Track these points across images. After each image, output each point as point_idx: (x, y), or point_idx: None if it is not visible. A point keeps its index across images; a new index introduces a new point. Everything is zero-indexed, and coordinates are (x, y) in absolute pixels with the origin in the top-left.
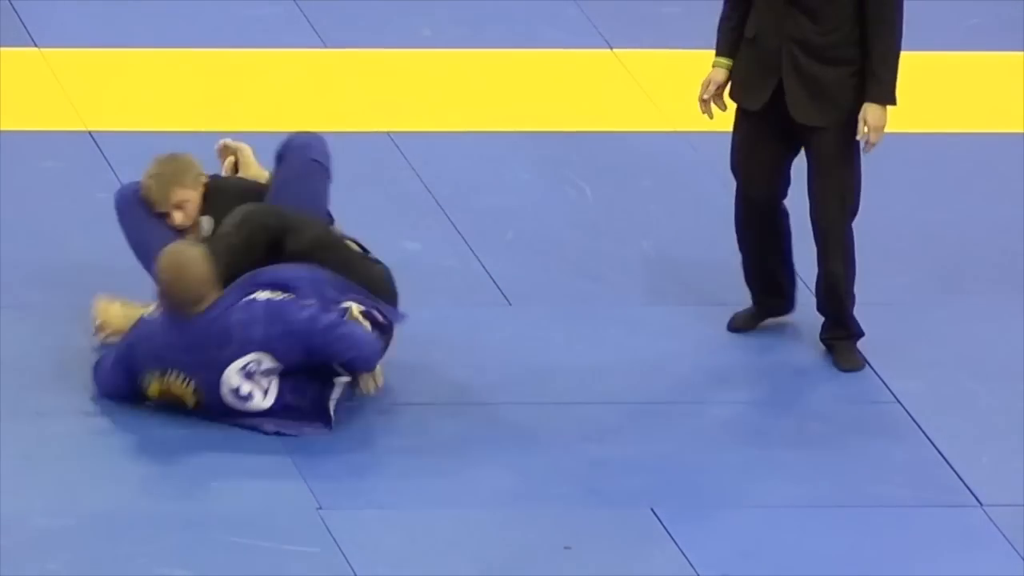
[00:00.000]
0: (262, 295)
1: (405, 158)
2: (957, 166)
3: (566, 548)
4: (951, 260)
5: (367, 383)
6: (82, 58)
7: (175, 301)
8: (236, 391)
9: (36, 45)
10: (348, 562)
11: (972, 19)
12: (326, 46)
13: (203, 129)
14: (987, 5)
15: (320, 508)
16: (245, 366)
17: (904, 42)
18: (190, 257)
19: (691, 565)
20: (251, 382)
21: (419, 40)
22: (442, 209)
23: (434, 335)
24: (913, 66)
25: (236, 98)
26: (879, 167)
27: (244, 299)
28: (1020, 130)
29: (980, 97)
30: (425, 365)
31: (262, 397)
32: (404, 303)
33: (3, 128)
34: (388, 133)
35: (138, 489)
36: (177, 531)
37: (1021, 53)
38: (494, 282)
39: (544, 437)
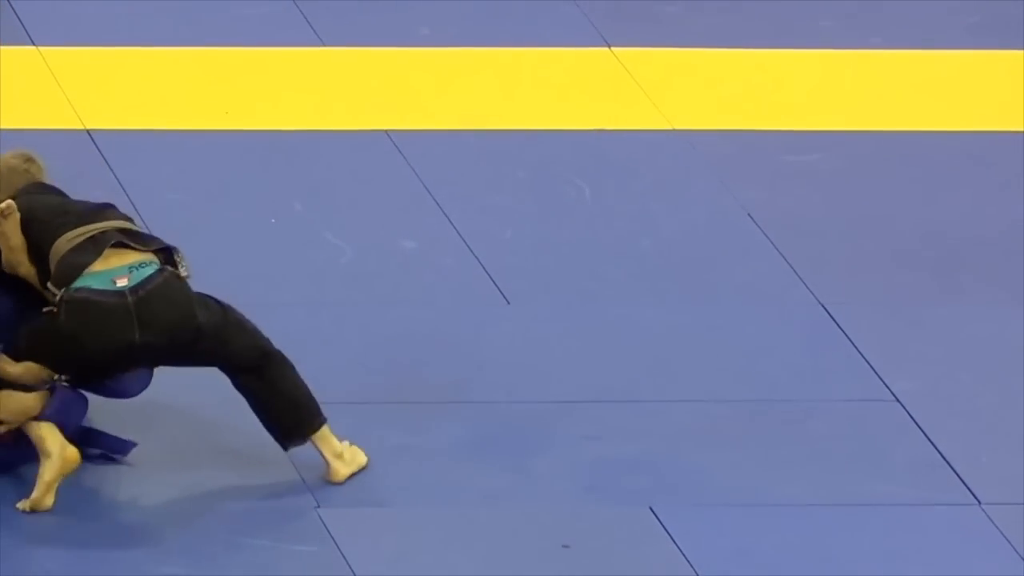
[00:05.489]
0: None
1: (404, 157)
2: (957, 166)
3: (565, 547)
4: (951, 260)
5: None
6: (81, 57)
7: None
8: None
9: (35, 44)
10: (346, 561)
11: (972, 17)
12: (324, 44)
13: (202, 128)
14: (987, 4)
15: (318, 507)
16: None
17: (903, 40)
18: None
19: (690, 564)
20: None
21: (417, 39)
22: (441, 208)
23: (433, 335)
24: (913, 65)
25: (234, 97)
26: (880, 166)
27: None
28: (1020, 129)
29: (980, 96)
30: (424, 364)
31: None
32: (403, 302)
33: (1, 127)
34: (386, 132)
35: (138, 489)
36: (177, 530)
37: (1021, 52)
38: (493, 282)
39: (544, 437)
